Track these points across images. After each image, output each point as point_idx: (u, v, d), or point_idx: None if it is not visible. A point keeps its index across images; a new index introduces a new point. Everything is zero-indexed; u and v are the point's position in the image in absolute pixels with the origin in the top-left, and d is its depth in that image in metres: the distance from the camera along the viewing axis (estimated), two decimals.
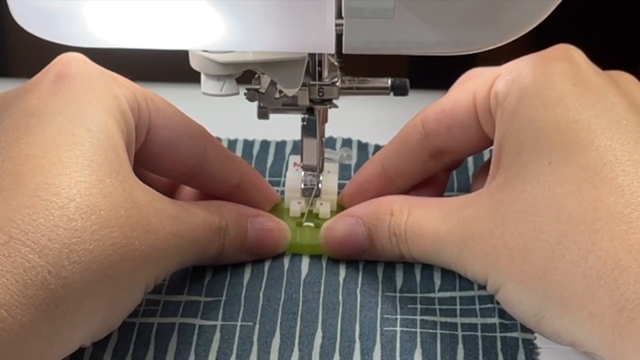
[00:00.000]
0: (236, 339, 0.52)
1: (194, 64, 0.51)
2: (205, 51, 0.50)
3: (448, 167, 0.59)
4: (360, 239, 0.56)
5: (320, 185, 0.59)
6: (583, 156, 0.49)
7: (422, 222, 0.54)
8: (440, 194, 0.59)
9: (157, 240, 0.50)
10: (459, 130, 0.55)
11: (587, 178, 0.49)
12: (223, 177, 0.56)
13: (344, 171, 0.63)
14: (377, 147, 0.66)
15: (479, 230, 0.52)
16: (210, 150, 0.55)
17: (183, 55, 0.51)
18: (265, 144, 0.66)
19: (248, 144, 0.66)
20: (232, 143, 0.66)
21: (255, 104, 0.55)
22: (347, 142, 0.66)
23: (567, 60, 0.53)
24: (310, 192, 0.59)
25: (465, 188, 0.62)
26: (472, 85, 0.55)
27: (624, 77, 0.55)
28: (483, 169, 0.58)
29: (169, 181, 0.58)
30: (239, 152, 0.66)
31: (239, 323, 0.53)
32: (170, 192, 0.58)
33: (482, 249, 0.51)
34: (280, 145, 0.66)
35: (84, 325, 0.47)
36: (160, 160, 0.55)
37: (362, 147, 0.66)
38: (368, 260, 0.57)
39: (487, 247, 0.51)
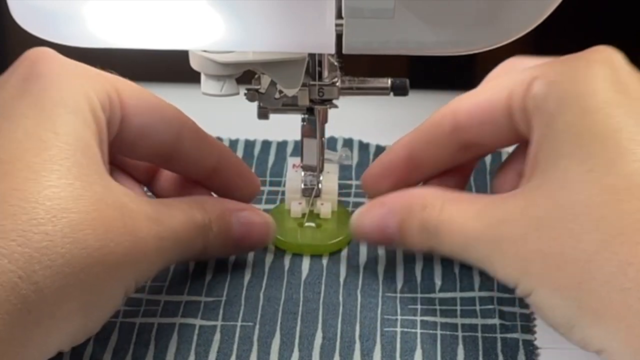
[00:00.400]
0: (236, 339, 0.52)
1: (194, 64, 0.51)
2: (205, 51, 0.50)
3: (475, 157, 0.58)
4: (391, 230, 0.54)
5: (320, 186, 0.59)
6: (625, 166, 0.48)
7: (454, 218, 0.53)
8: (465, 181, 0.58)
9: (135, 243, 0.49)
10: (490, 126, 0.54)
11: (629, 188, 0.47)
12: (199, 160, 0.55)
13: (345, 171, 0.63)
14: (379, 147, 0.66)
15: (512, 233, 0.50)
16: (185, 133, 0.54)
17: (183, 55, 0.51)
18: (266, 144, 0.66)
19: (249, 144, 0.66)
20: (234, 143, 0.66)
21: (255, 104, 0.55)
22: (348, 143, 0.66)
23: (609, 65, 0.51)
24: (311, 193, 0.59)
25: (481, 177, 0.63)
26: (508, 82, 0.54)
27: None
28: (507, 164, 0.57)
29: (150, 165, 0.57)
30: (240, 152, 0.66)
31: (239, 323, 0.53)
32: (151, 176, 0.57)
33: (515, 253, 0.50)
34: (282, 145, 0.66)
35: (60, 330, 0.46)
36: (136, 147, 0.54)
37: (364, 147, 0.66)
38: (369, 259, 0.57)
39: (521, 252, 0.50)
